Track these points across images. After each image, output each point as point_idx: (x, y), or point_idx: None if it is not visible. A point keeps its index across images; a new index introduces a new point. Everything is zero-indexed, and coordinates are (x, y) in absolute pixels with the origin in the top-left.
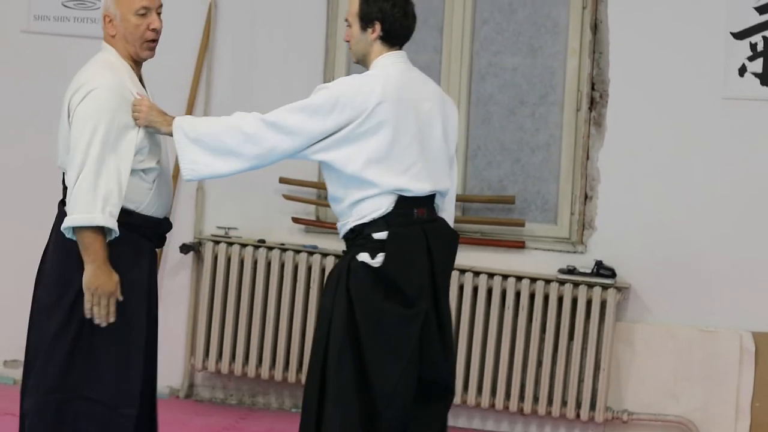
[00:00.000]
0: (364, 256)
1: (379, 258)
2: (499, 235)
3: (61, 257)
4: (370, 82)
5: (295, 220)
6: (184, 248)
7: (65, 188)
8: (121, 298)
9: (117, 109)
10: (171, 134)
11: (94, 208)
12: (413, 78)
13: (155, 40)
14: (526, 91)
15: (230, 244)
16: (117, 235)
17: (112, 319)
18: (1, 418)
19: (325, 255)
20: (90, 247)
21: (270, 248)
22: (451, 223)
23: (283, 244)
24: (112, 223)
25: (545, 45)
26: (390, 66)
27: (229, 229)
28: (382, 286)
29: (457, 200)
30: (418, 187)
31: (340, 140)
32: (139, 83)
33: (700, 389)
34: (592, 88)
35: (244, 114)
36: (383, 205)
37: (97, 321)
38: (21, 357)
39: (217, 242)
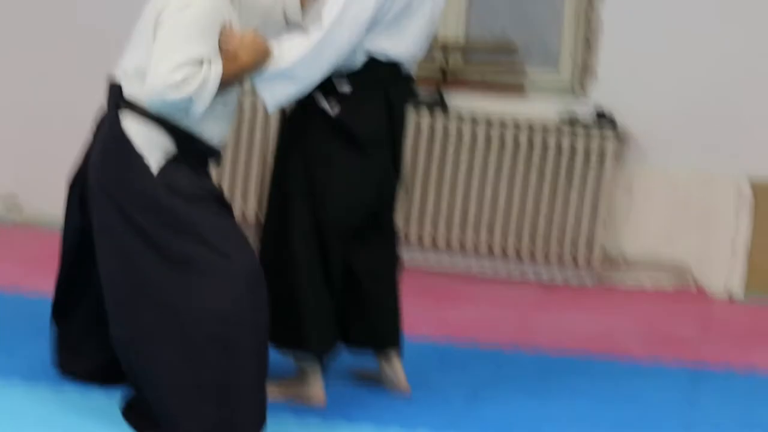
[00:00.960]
0: (323, 102)
1: (336, 108)
2: (500, 81)
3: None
4: None
5: None
6: None
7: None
8: None
9: (212, 27)
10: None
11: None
12: None
13: None
14: None
15: None
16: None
17: None
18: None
19: None
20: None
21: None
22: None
23: None
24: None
25: None
26: None
27: None
28: (338, 135)
29: (458, 48)
30: (394, 53)
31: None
32: None
33: (697, 234)
34: None
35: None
36: (353, 60)
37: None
38: (18, 191)
39: None
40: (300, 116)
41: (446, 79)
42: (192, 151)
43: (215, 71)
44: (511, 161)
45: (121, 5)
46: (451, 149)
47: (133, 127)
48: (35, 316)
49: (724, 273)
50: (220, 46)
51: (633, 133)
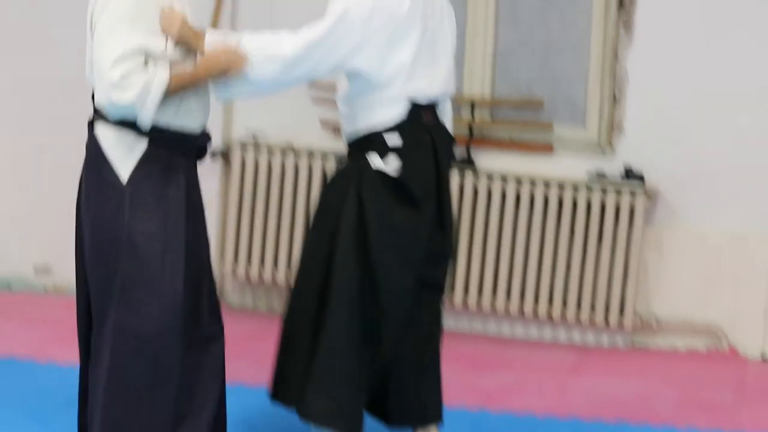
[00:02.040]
0: (376, 161)
1: (392, 163)
2: (527, 139)
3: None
4: None
5: (324, 123)
6: (212, 154)
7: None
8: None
9: (144, 14)
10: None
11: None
12: None
13: None
14: None
15: (258, 148)
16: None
17: None
18: (33, 325)
19: None
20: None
21: (298, 154)
22: (449, 124)
23: (311, 149)
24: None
25: None
26: None
27: (257, 133)
28: (393, 191)
29: (484, 104)
30: (432, 92)
31: (377, 45)
32: None
33: (729, 295)
34: None
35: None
36: (398, 110)
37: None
38: (51, 261)
39: (245, 147)
40: (348, 174)
41: (473, 136)
42: (168, 149)
43: (159, 79)
44: (540, 219)
45: None
46: (480, 208)
47: (103, 133)
48: (69, 386)
49: (758, 334)
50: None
51: (662, 190)
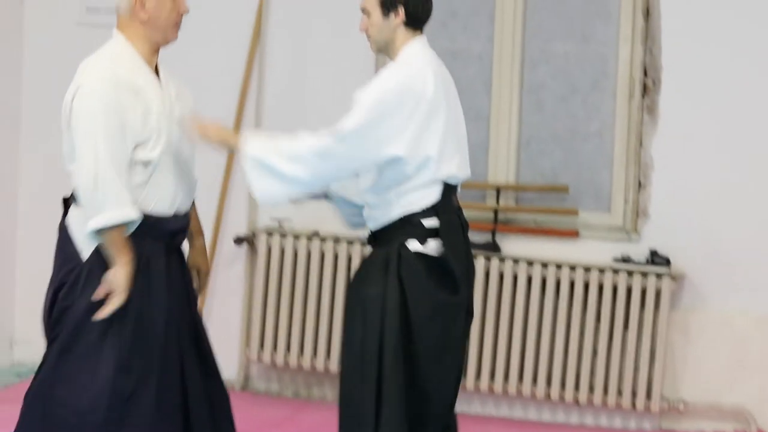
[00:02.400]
0: (415, 244)
1: (431, 245)
2: (552, 224)
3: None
4: (421, 69)
5: None
6: (238, 240)
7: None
8: None
9: (112, 101)
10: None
11: (123, 204)
12: (440, 62)
13: (180, 23)
14: (578, 78)
15: (284, 235)
16: (133, 225)
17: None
18: None
19: None
20: (121, 246)
21: (324, 239)
22: None
23: (336, 236)
24: (136, 214)
25: (597, 31)
26: (423, 51)
27: (282, 220)
28: (435, 275)
29: (509, 189)
30: (462, 174)
31: (412, 130)
32: (149, 71)
33: (757, 378)
34: (645, 75)
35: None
36: (434, 193)
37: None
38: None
39: (270, 234)
40: (383, 261)
41: (498, 222)
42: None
43: (127, 214)
44: (566, 304)
45: None
46: (506, 293)
47: (72, 212)
48: None
49: None
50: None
51: (688, 273)
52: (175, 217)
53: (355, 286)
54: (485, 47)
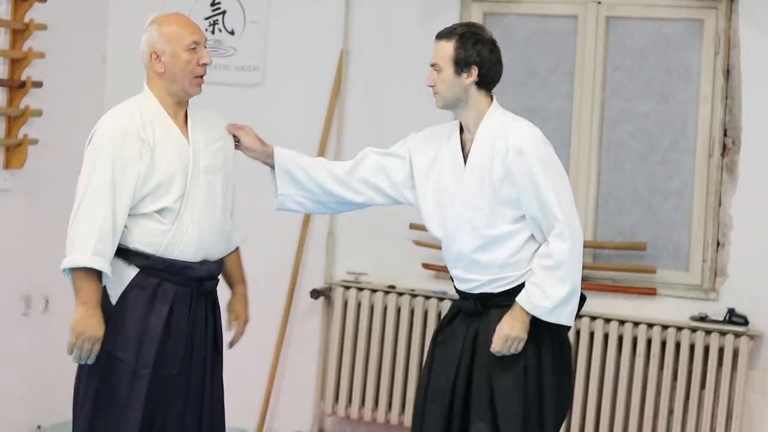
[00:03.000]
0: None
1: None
2: (630, 282)
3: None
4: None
5: (426, 266)
6: (315, 293)
7: None
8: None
9: (117, 148)
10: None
11: (85, 249)
12: None
13: (203, 76)
14: (657, 137)
15: (360, 289)
16: (109, 278)
17: (91, 362)
18: None
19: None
20: (81, 289)
21: (400, 294)
22: None
23: (413, 290)
24: (102, 265)
25: (677, 91)
26: (505, 114)
27: (359, 274)
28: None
29: (588, 246)
30: None
31: None
32: (171, 123)
33: None
34: (725, 134)
35: None
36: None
37: (75, 361)
38: None
39: (347, 287)
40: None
41: None
42: (157, 276)
43: (71, 258)
44: (643, 362)
45: None
46: (582, 350)
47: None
48: None
49: None
50: None
51: (766, 333)
52: (203, 264)
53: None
54: (564, 105)
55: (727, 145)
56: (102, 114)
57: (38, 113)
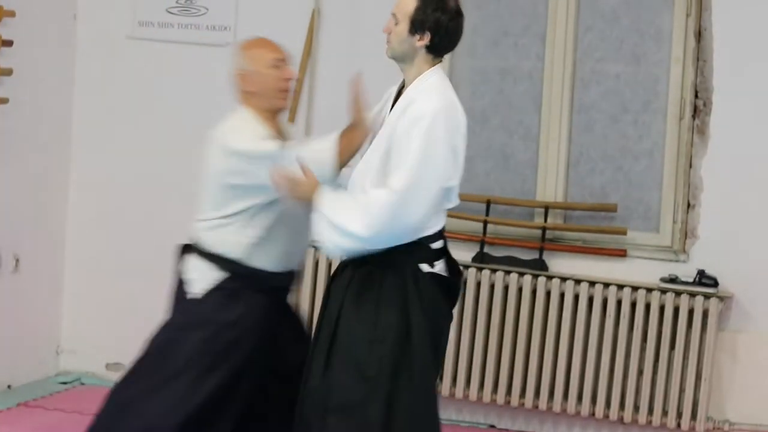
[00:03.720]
0: (425, 267)
1: (438, 267)
2: (600, 243)
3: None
4: (454, 100)
5: None
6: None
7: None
8: None
9: None
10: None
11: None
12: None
13: (288, 89)
14: (629, 98)
15: None
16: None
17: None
18: None
19: None
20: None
21: None
22: None
23: None
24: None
25: (648, 52)
26: (446, 81)
27: None
28: (449, 296)
29: (558, 208)
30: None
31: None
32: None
33: None
34: (696, 96)
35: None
36: (445, 217)
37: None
38: (123, 360)
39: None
40: (392, 285)
41: (546, 240)
42: (237, 281)
43: None
44: (613, 323)
45: None
46: (552, 311)
47: (191, 263)
48: None
49: None
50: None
51: (736, 294)
52: (285, 273)
53: (367, 312)
54: (536, 66)
55: (698, 106)
56: (73, 70)
57: (8, 72)
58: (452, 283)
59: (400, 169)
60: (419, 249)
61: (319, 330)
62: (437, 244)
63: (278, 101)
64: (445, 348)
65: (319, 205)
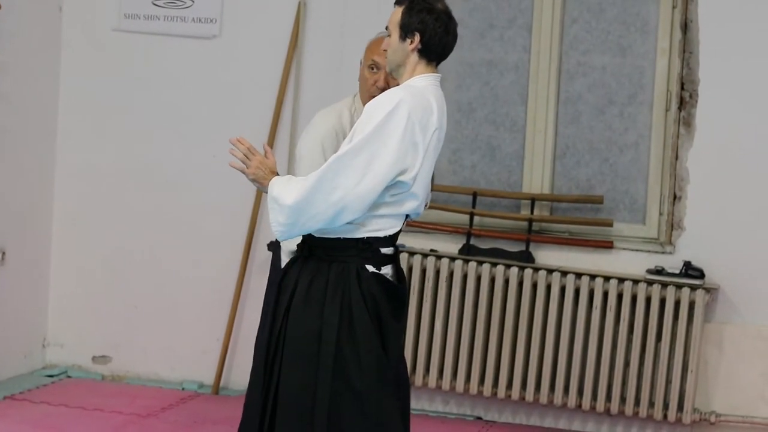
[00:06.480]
0: (372, 268)
1: (386, 270)
2: (587, 235)
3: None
4: (430, 101)
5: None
6: (272, 246)
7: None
8: None
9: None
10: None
11: None
12: (443, 107)
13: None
14: (615, 90)
15: None
16: None
17: None
18: (90, 413)
19: (412, 254)
20: None
21: None
22: None
23: None
24: None
25: (634, 44)
26: (434, 85)
27: None
28: (393, 301)
29: (545, 200)
30: (420, 210)
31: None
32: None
33: None
34: (682, 88)
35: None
36: (398, 224)
37: None
38: (109, 353)
39: None
40: (333, 281)
41: (532, 232)
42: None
43: None
44: (599, 315)
45: None
46: (539, 303)
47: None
48: None
49: None
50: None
51: (722, 286)
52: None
53: (314, 306)
54: (522, 58)
55: (684, 98)
56: (58, 63)
57: None
58: (398, 288)
59: (348, 143)
60: (368, 249)
61: (272, 324)
62: (387, 250)
63: (365, 100)
64: (398, 346)
65: (270, 187)
